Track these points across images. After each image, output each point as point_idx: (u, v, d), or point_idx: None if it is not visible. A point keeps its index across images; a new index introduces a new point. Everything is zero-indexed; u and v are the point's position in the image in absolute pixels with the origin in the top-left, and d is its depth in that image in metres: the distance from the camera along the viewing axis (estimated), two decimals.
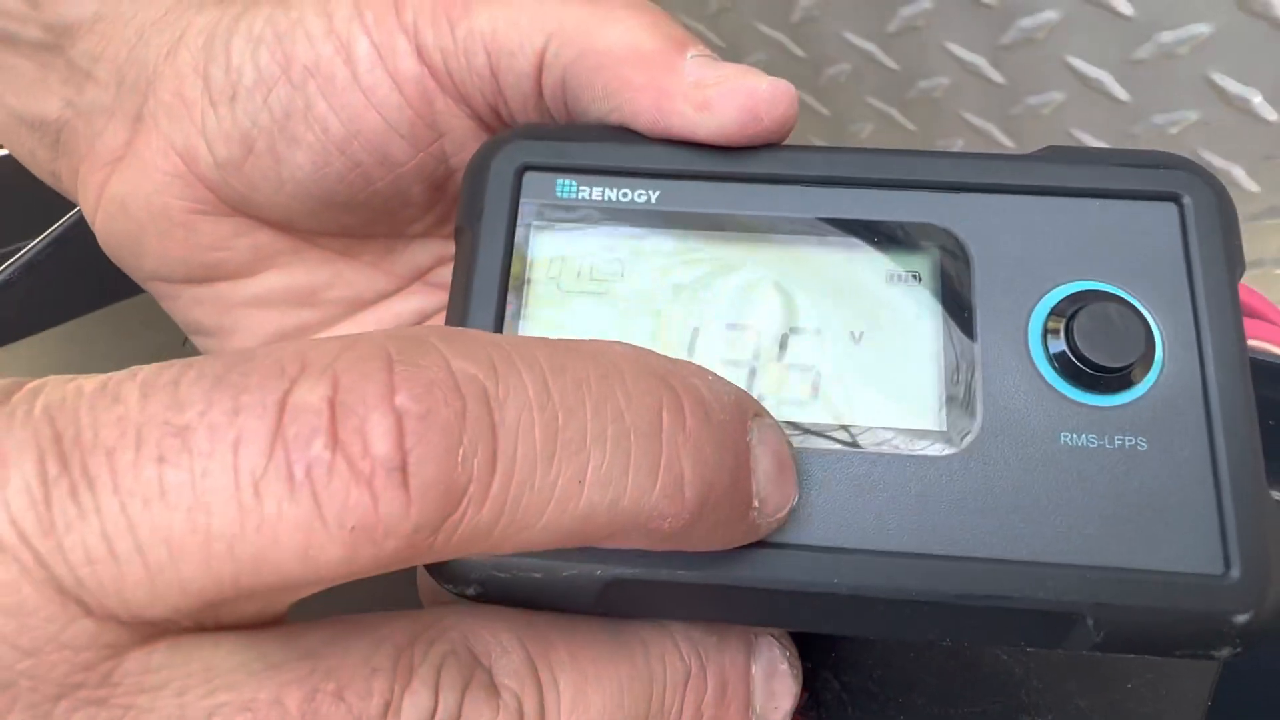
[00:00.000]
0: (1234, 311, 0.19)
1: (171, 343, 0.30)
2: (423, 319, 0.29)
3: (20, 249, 0.36)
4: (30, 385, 0.14)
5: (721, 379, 0.18)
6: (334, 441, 0.13)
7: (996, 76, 0.46)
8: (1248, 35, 0.37)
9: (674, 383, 0.16)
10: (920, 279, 0.20)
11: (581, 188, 0.21)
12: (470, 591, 0.18)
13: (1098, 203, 0.20)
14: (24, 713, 0.13)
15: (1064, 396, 0.19)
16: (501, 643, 0.17)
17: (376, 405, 0.14)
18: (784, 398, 0.20)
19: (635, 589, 0.18)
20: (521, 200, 0.21)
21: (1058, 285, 0.20)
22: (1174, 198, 0.20)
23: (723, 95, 0.21)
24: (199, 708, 0.14)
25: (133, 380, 0.14)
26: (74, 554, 0.13)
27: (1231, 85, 0.39)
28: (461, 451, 0.14)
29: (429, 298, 0.29)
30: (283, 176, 0.24)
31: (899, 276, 0.20)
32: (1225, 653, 0.18)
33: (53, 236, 0.35)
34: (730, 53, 0.57)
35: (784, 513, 0.18)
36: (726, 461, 0.16)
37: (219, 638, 0.15)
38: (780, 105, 0.21)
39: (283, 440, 0.13)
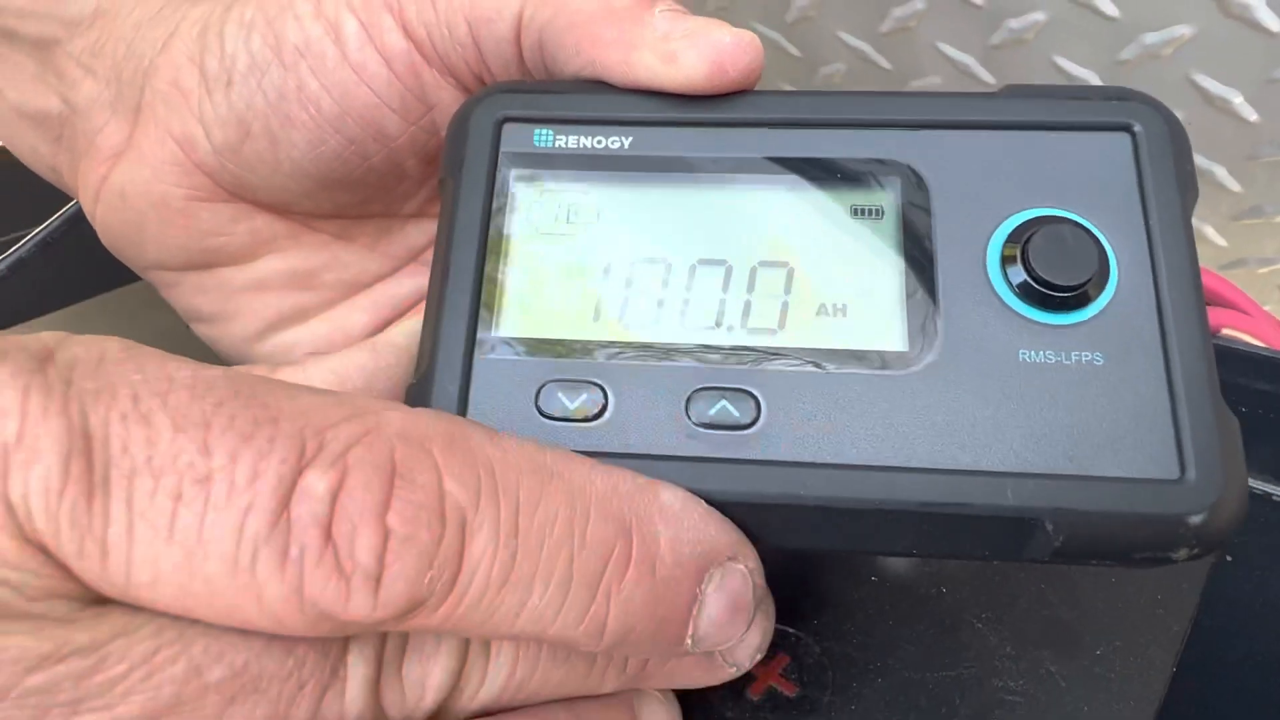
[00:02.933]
0: (1186, 232, 0.20)
1: (174, 328, 0.31)
2: (419, 299, 0.30)
3: (21, 237, 0.36)
4: (67, 355, 0.16)
5: (705, 520, 0.19)
6: (328, 536, 0.15)
7: (987, 76, 0.47)
8: (1228, 37, 0.38)
9: (635, 531, 0.18)
10: (882, 213, 0.21)
11: (558, 137, 0.22)
12: None
13: (1054, 135, 0.21)
14: None
15: (1022, 316, 0.20)
16: None
17: (370, 520, 0.16)
18: (753, 326, 0.21)
19: None
20: (501, 149, 0.22)
21: (1014, 213, 0.21)
22: (1126, 127, 0.21)
23: (689, 48, 0.21)
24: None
25: (164, 408, 0.15)
26: (69, 546, 0.15)
27: (1213, 86, 0.40)
28: (430, 575, 0.16)
29: (424, 278, 0.30)
30: (279, 158, 0.25)
31: (862, 211, 0.21)
32: (1182, 554, 0.18)
33: (53, 226, 0.36)
34: None
35: (725, 645, 0.19)
36: (656, 613, 0.18)
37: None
38: (745, 57, 0.22)
39: (287, 518, 0.15)
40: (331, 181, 0.26)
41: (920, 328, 0.20)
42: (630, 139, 0.22)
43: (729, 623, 0.19)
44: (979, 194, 0.21)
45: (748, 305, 0.21)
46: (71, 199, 0.34)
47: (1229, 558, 0.30)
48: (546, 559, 0.17)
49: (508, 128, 0.23)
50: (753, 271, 0.21)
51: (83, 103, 0.27)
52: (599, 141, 0.22)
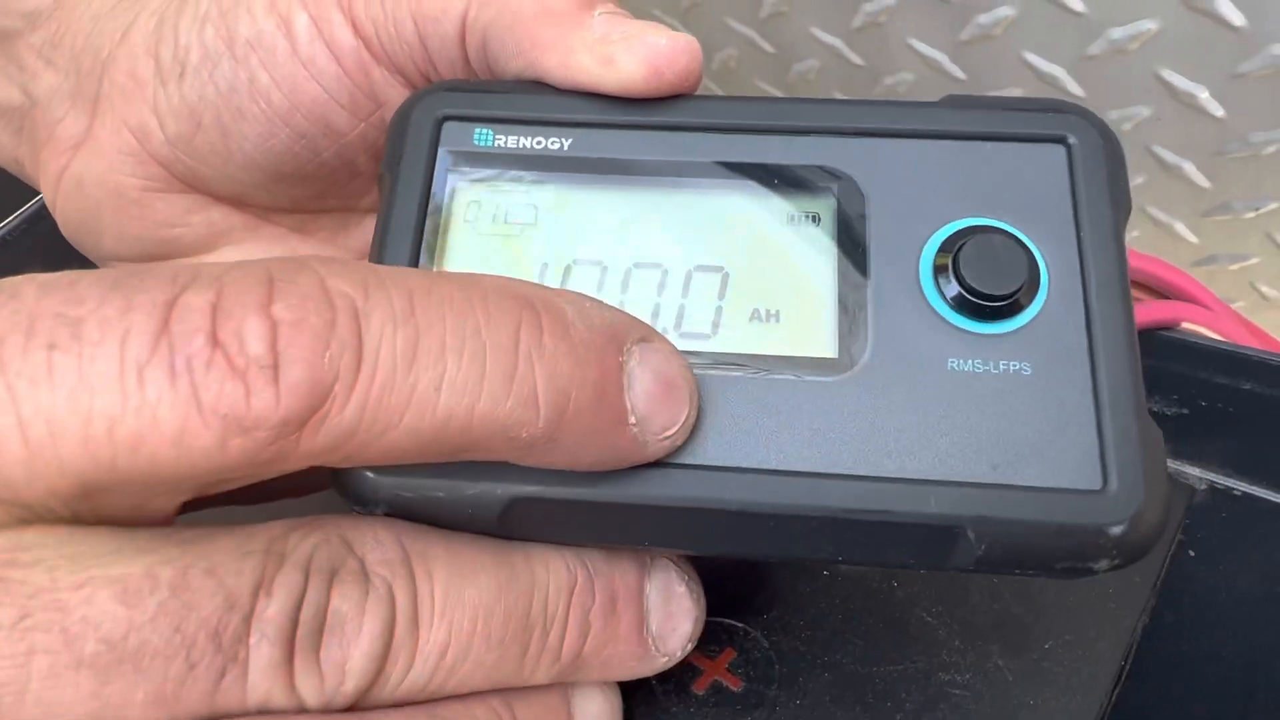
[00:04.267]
0: (1118, 244, 0.20)
1: None
2: None
3: None
4: None
5: (600, 305, 0.19)
6: (214, 340, 0.15)
7: (958, 72, 0.47)
8: (1193, 32, 0.38)
9: (537, 305, 0.17)
10: (819, 220, 0.21)
11: (497, 136, 0.22)
12: (379, 511, 0.19)
13: (990, 145, 0.21)
14: None
15: (952, 325, 0.20)
16: (378, 538, 0.18)
17: (254, 311, 0.15)
18: (686, 331, 0.21)
19: (536, 508, 0.19)
20: (440, 148, 0.22)
21: (948, 222, 0.21)
22: (1061, 139, 0.21)
23: (625, 51, 0.21)
24: (70, 580, 0.15)
25: (31, 281, 0.15)
26: None
27: (1180, 81, 0.40)
28: (328, 355, 0.15)
29: None
30: (231, 149, 0.25)
31: (798, 218, 0.21)
32: (1103, 565, 0.18)
33: (10, 226, 0.36)
34: (701, 47, 0.58)
35: (674, 430, 0.18)
36: (588, 375, 0.17)
37: (95, 528, 0.16)
38: (681, 60, 0.22)
39: (168, 335, 0.15)
40: (283, 175, 0.26)
41: (851, 335, 0.20)
42: (570, 140, 0.22)
43: (666, 398, 0.18)
44: (915, 203, 0.21)
45: (682, 309, 0.21)
46: (29, 199, 0.34)
47: (1191, 552, 0.30)
48: (453, 330, 0.16)
49: (448, 126, 0.22)
50: (688, 276, 0.21)
51: (43, 94, 0.27)
52: (538, 142, 0.22)
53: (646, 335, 0.19)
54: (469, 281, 0.17)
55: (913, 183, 0.21)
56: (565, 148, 0.22)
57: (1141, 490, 0.18)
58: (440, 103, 0.23)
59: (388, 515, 0.19)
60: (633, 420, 0.18)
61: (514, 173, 0.22)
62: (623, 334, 0.18)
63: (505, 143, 0.22)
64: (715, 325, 0.20)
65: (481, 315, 0.17)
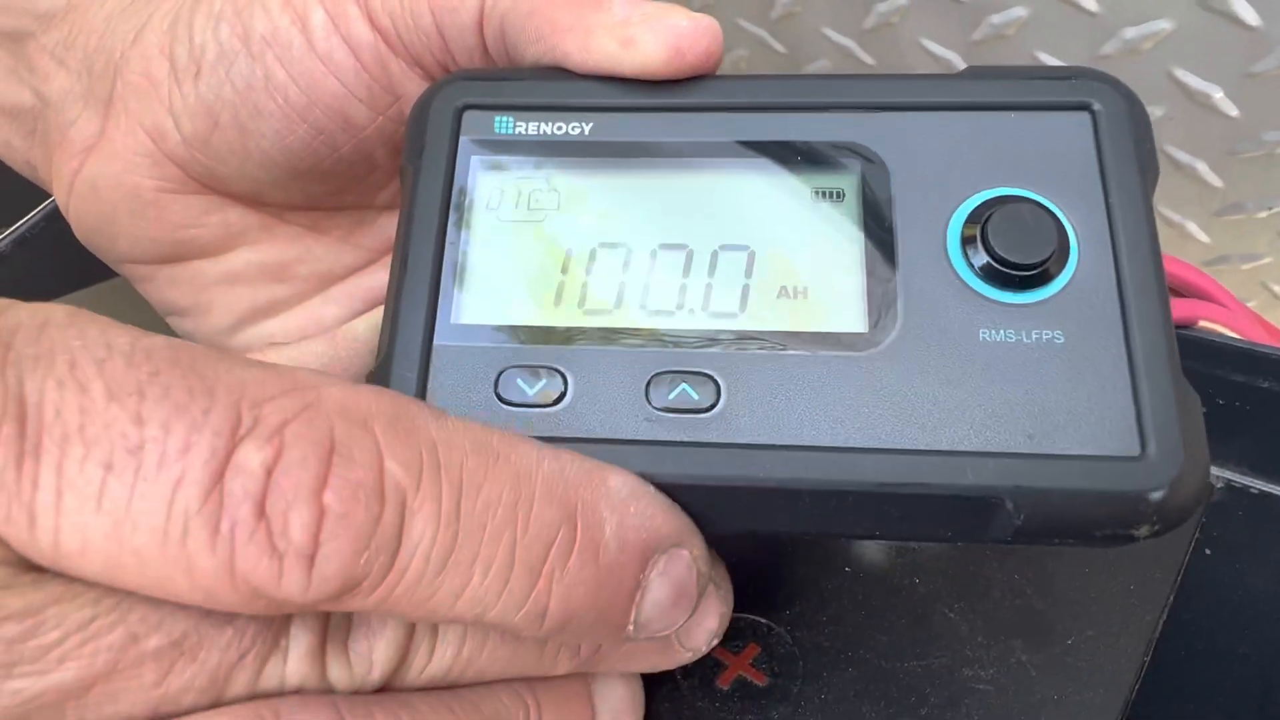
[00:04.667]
0: (1146, 209, 0.20)
1: (150, 323, 0.31)
2: None
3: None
4: (11, 320, 0.16)
5: (652, 506, 0.18)
6: (261, 512, 0.15)
7: None
8: (1207, 32, 0.38)
9: (580, 517, 0.18)
10: (843, 196, 0.21)
11: (518, 123, 0.22)
12: None
13: (1013, 115, 0.21)
14: None
15: (982, 296, 0.20)
16: None
17: (305, 497, 0.15)
18: (714, 310, 0.20)
19: None
20: (461, 136, 0.22)
21: (974, 193, 0.21)
22: (1086, 106, 0.21)
23: (646, 32, 0.22)
24: None
25: (100, 375, 0.15)
26: None
27: (1193, 81, 0.40)
28: (366, 556, 0.16)
29: None
30: (249, 148, 0.25)
31: (823, 193, 0.21)
32: (1144, 531, 0.18)
33: (31, 222, 0.36)
34: None
35: (666, 632, 0.19)
36: (599, 597, 0.18)
37: None
38: (702, 41, 0.22)
39: (219, 493, 0.15)
40: (301, 172, 0.26)
41: (880, 309, 0.20)
42: (590, 124, 0.22)
43: (672, 609, 0.19)
44: (939, 175, 0.21)
45: (709, 289, 0.21)
46: (48, 195, 0.34)
47: (1207, 551, 0.30)
48: (488, 543, 0.17)
49: (468, 115, 0.22)
50: (714, 255, 0.21)
51: (55, 96, 0.27)
52: (559, 127, 0.22)
53: (681, 540, 0.19)
54: (525, 477, 0.17)
55: (937, 155, 0.21)
56: (586, 132, 0.22)
57: (1181, 454, 0.18)
58: (460, 92, 0.23)
59: None
60: (631, 628, 0.18)
61: (536, 159, 0.22)
62: (656, 545, 0.18)
63: (526, 129, 0.22)
64: (743, 303, 0.20)
65: (520, 527, 0.17)
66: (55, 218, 0.35)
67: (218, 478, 0.15)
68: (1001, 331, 0.19)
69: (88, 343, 0.15)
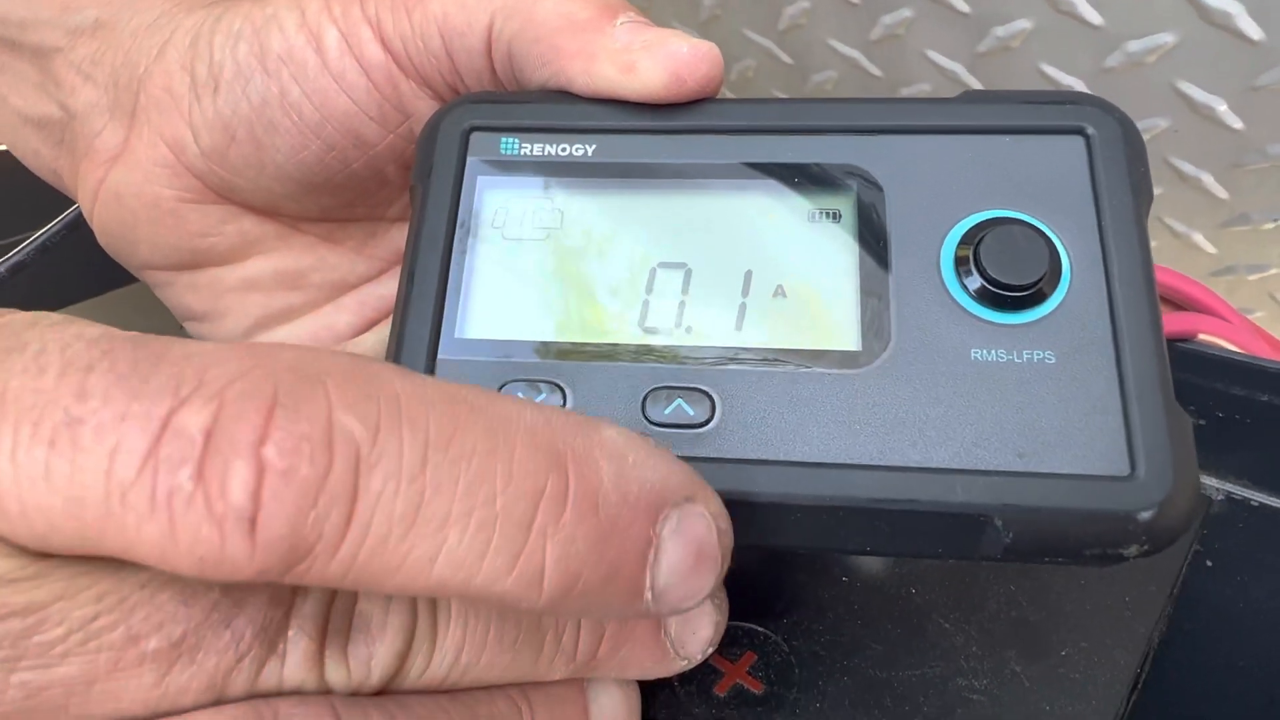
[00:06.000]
0: (1140, 232, 0.20)
1: (168, 329, 0.32)
2: None
3: (20, 240, 0.37)
4: (4, 319, 0.16)
5: (651, 457, 0.17)
6: (199, 475, 0.14)
7: (975, 84, 0.47)
8: (1211, 45, 0.38)
9: (570, 466, 0.16)
10: (839, 217, 0.22)
11: (524, 145, 0.23)
12: None
13: (1009, 139, 0.22)
14: None
15: (975, 316, 0.20)
16: None
17: (243, 452, 0.14)
18: (712, 328, 0.21)
19: None
20: (469, 157, 0.23)
21: (967, 215, 0.21)
22: (1080, 130, 0.21)
23: (647, 59, 0.22)
24: (134, 580, 0.16)
25: (60, 358, 0.15)
26: None
27: (1197, 94, 0.40)
28: (314, 514, 0.14)
29: None
30: (264, 161, 0.26)
31: (819, 215, 0.22)
32: (1133, 551, 0.18)
33: (52, 230, 0.37)
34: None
35: (691, 604, 0.17)
36: (605, 556, 0.16)
37: None
38: (702, 67, 0.22)
39: (154, 459, 0.14)
40: (314, 185, 0.27)
41: (874, 328, 0.20)
42: (594, 146, 0.23)
43: (692, 573, 0.17)
44: (934, 197, 0.21)
45: (706, 307, 0.21)
46: (70, 205, 0.35)
47: (1208, 562, 0.30)
48: (463, 497, 0.15)
49: (475, 136, 0.23)
50: (712, 274, 0.21)
51: (81, 108, 0.28)
52: (563, 149, 0.23)
53: (693, 494, 0.17)
54: (503, 426, 0.16)
55: (932, 177, 0.21)
56: (589, 153, 0.23)
57: (1170, 475, 0.18)
58: (467, 114, 0.23)
59: None
60: (649, 596, 0.17)
61: (540, 179, 0.23)
62: (665, 498, 0.17)
63: (531, 150, 0.23)
64: (740, 321, 0.21)
65: (502, 478, 0.15)
66: (76, 226, 0.35)
67: (155, 445, 0.14)
68: (993, 351, 0.20)
69: (62, 334, 0.15)
